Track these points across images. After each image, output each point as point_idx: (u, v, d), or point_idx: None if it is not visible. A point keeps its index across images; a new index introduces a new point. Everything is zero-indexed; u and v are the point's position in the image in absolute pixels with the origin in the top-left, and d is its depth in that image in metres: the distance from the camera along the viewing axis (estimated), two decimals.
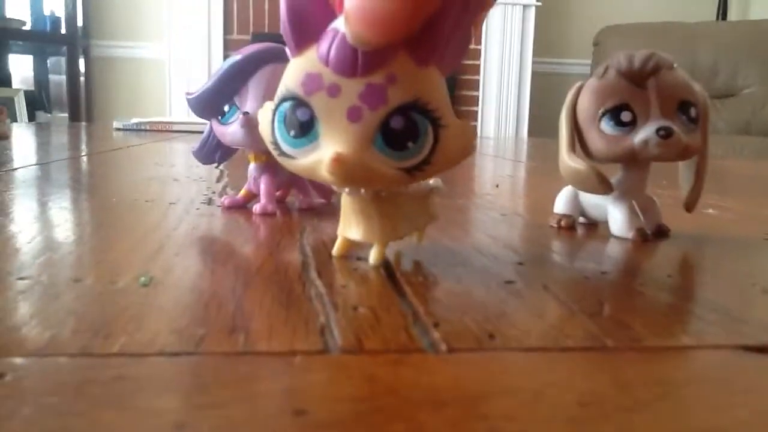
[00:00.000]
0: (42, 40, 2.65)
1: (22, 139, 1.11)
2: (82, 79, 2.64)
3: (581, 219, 0.39)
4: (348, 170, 0.23)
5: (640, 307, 0.23)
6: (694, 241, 0.37)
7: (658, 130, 0.32)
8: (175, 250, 0.29)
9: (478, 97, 3.00)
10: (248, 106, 0.38)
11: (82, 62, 2.63)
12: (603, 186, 0.35)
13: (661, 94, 0.33)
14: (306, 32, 0.24)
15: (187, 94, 0.40)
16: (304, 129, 0.24)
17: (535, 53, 2.93)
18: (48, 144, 1.01)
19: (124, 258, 0.27)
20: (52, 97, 2.84)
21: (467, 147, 0.25)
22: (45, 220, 0.36)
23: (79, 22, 2.60)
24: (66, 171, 0.62)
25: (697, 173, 0.37)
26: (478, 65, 2.97)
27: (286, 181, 0.42)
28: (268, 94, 0.38)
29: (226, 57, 2.87)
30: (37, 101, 2.69)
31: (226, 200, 0.41)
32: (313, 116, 0.24)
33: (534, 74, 2.95)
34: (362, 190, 0.26)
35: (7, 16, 2.56)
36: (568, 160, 0.35)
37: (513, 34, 2.93)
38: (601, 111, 0.34)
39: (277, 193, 0.44)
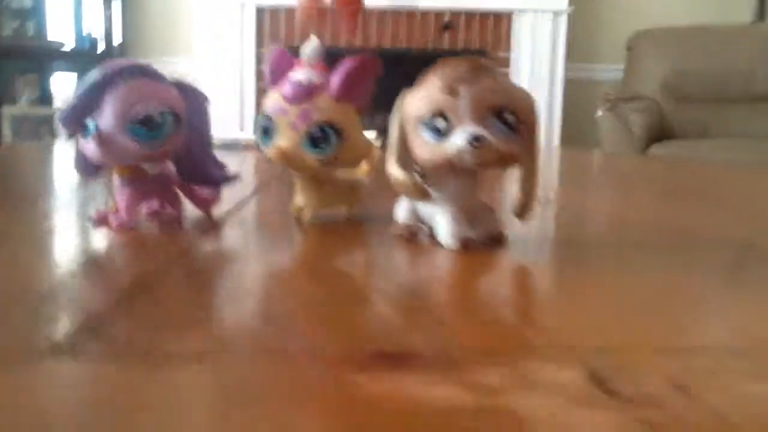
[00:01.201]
0: (81, 59, 2.76)
1: None
2: None
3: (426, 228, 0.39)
4: (284, 157, 0.40)
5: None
6: (523, 250, 0.36)
7: (468, 138, 0.32)
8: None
9: None
10: (103, 121, 0.39)
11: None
12: (419, 193, 0.36)
13: (475, 101, 0.33)
14: (277, 78, 0.41)
15: (57, 112, 0.41)
16: (268, 133, 0.41)
17: (567, 59, 2.89)
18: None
19: None
20: None
21: (364, 154, 0.43)
22: None
23: (116, 41, 2.70)
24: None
25: (523, 182, 0.36)
26: (509, 73, 2.94)
27: (155, 193, 0.43)
28: (122, 110, 0.39)
29: (258, 71, 2.94)
30: None
31: (95, 214, 0.42)
32: (273, 126, 0.40)
33: (566, 81, 2.91)
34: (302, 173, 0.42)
35: (49, 39, 2.69)
36: (390, 168, 0.36)
37: (543, 41, 2.89)
38: (419, 119, 0.34)
39: (153, 205, 0.45)
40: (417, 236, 0.38)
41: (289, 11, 2.90)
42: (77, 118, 0.40)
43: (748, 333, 0.21)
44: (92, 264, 0.29)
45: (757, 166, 1.37)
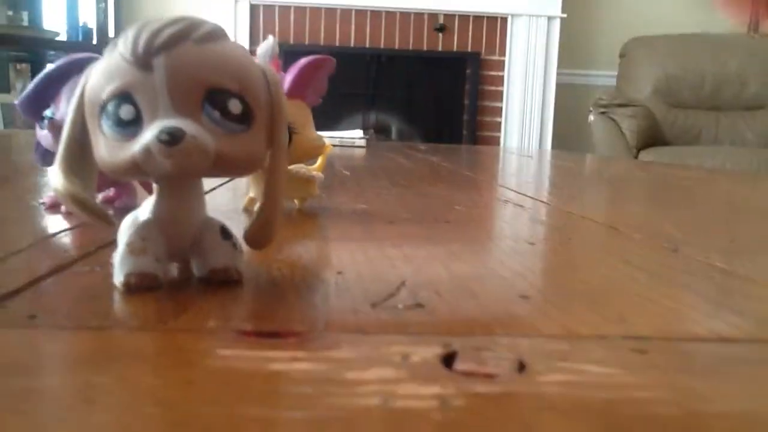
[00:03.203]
0: (75, 49, 2.75)
1: None
2: None
3: None
4: None
5: None
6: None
7: (160, 133, 0.21)
8: None
9: (501, 108, 2.98)
10: (60, 111, 0.40)
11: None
12: (91, 213, 0.24)
13: (175, 78, 0.22)
14: None
15: (15, 100, 0.42)
16: None
17: (560, 65, 2.90)
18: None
19: None
20: None
21: (313, 149, 0.42)
22: None
23: (110, 33, 2.71)
24: None
25: (265, 194, 0.26)
26: (502, 76, 2.95)
27: (109, 182, 0.44)
28: None
29: None
30: None
31: (47, 199, 0.43)
32: None
33: (559, 86, 2.92)
34: None
35: (45, 27, 2.69)
36: (53, 176, 0.24)
37: (537, 46, 2.90)
38: (98, 103, 0.23)
39: (110, 193, 0.45)
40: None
41: (283, 8, 2.91)
42: (34, 108, 0.41)
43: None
44: (22, 249, 0.30)
45: (746, 172, 1.37)
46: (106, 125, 0.23)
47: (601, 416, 0.15)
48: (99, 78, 0.23)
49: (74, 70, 0.40)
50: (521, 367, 0.18)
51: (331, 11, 2.91)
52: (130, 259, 0.24)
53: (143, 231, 0.24)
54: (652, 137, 2.55)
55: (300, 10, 2.91)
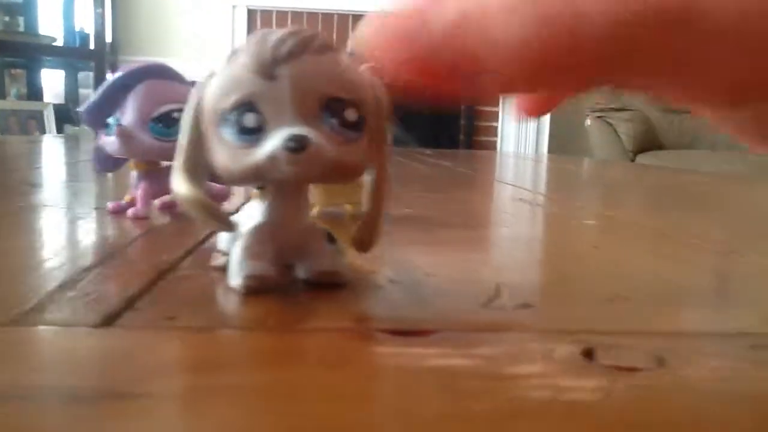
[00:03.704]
0: (71, 55, 2.76)
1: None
2: None
3: None
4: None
5: None
6: (517, 230, 0.37)
7: (285, 141, 0.22)
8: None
9: (497, 112, 3.00)
10: (126, 118, 0.41)
11: (109, 77, 2.72)
12: (213, 218, 0.25)
13: (298, 87, 0.23)
14: None
15: (80, 107, 0.42)
16: None
17: None
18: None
19: None
20: None
21: None
22: None
23: (108, 38, 2.70)
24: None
25: (368, 201, 0.27)
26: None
27: (170, 188, 0.44)
28: (144, 107, 0.41)
29: None
30: (67, 115, 2.79)
31: (110, 205, 0.44)
32: None
33: None
34: None
35: (40, 33, 2.68)
36: (176, 182, 0.25)
37: None
38: (220, 112, 0.23)
39: (166, 199, 0.46)
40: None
41: (280, 13, 2.92)
42: (99, 115, 0.42)
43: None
44: (113, 253, 0.30)
45: (742, 177, 1.40)
46: (228, 133, 0.23)
47: (761, 404, 0.16)
48: (220, 88, 0.23)
49: (141, 77, 0.41)
50: (660, 361, 0.19)
51: (328, 16, 2.92)
52: (248, 263, 0.24)
53: (258, 235, 0.25)
54: (649, 141, 2.59)
55: (297, 15, 2.92)
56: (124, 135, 0.40)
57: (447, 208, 0.53)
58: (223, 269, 0.26)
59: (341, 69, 0.24)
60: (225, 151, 0.24)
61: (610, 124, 2.55)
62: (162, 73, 0.42)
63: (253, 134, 0.23)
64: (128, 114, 0.41)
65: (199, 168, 0.25)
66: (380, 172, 0.26)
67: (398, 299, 0.25)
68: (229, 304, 0.23)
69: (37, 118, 2.58)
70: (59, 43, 2.69)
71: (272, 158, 0.22)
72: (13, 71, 2.83)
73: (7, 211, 0.43)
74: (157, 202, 0.45)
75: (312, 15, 2.91)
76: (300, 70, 0.23)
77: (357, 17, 2.89)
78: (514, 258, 0.33)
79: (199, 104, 0.24)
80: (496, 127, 3.01)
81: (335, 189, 0.45)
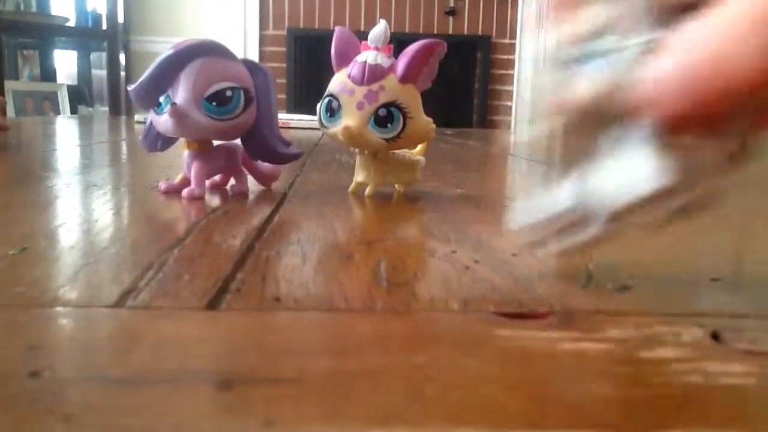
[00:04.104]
0: (84, 36, 2.74)
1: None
2: (122, 73, 2.72)
3: None
4: (351, 135, 0.40)
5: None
6: None
7: None
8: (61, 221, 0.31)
9: (511, 92, 2.98)
10: (179, 97, 0.40)
11: (122, 57, 2.71)
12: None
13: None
14: (343, 60, 0.42)
15: (129, 86, 0.42)
16: (334, 112, 0.41)
17: None
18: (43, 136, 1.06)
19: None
20: (95, 92, 2.93)
21: (426, 133, 0.43)
22: None
23: (120, 18, 2.68)
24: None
25: None
26: (512, 60, 2.95)
27: (221, 167, 0.44)
28: (197, 86, 0.40)
29: (261, 52, 2.93)
30: (81, 95, 2.78)
31: (163, 185, 0.43)
32: (339, 105, 0.41)
33: None
34: (365, 152, 0.43)
35: (52, 13, 2.66)
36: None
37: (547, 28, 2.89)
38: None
39: (216, 179, 0.45)
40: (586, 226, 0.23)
41: None
42: (151, 94, 0.41)
43: None
44: (187, 234, 0.30)
45: None
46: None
47: None
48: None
49: (192, 55, 0.40)
50: None
51: None
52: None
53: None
54: None
55: None
56: (178, 114, 0.39)
57: (493, 187, 0.52)
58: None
59: None
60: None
61: None
62: (214, 50, 0.41)
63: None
64: (181, 93, 0.40)
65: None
66: None
67: (492, 280, 0.24)
68: (326, 285, 0.23)
69: (52, 99, 2.57)
70: (72, 23, 2.67)
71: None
72: (25, 52, 2.81)
73: (56, 193, 0.42)
74: (207, 182, 0.44)
75: None
76: None
77: None
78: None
79: None
80: (509, 107, 2.99)
81: (388, 170, 0.44)
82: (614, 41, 0.21)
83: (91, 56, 2.88)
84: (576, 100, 0.22)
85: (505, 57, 2.97)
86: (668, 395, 0.15)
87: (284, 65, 2.89)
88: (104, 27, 2.69)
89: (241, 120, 0.41)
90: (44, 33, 2.64)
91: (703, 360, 0.17)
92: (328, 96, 0.42)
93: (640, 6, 0.21)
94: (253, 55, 2.86)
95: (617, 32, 0.21)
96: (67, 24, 2.63)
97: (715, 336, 0.19)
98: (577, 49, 0.22)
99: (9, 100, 2.40)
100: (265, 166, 0.46)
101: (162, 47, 0.41)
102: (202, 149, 0.42)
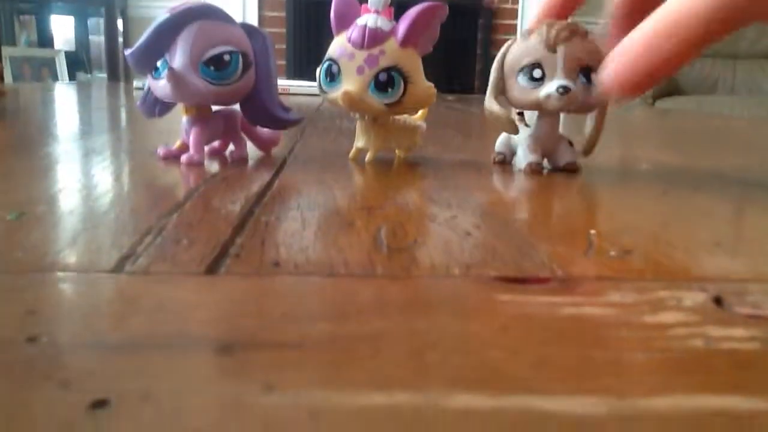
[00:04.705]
0: (81, 1, 2.70)
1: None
2: (120, 39, 2.69)
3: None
4: (351, 100, 0.40)
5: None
6: (591, 178, 0.40)
7: (558, 88, 0.39)
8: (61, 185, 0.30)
9: None
10: (176, 61, 0.39)
11: (120, 23, 2.68)
12: (509, 127, 0.43)
13: (568, 58, 0.39)
14: (342, 24, 0.41)
15: (126, 51, 0.41)
16: (333, 77, 0.41)
17: (579, 13, 2.85)
18: (40, 103, 1.05)
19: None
20: (93, 58, 2.91)
21: (427, 98, 0.43)
22: None
23: None
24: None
25: (595, 125, 0.43)
26: (515, 25, 2.91)
27: (220, 133, 0.43)
28: (194, 50, 0.39)
29: (261, 17, 2.89)
30: (78, 62, 2.76)
31: (161, 151, 0.43)
32: (339, 70, 0.41)
33: None
34: (366, 117, 0.43)
35: None
36: (489, 103, 0.43)
37: None
38: (519, 66, 0.41)
39: (215, 144, 0.45)
40: (506, 162, 0.46)
41: None
42: (148, 58, 0.40)
43: None
44: (186, 199, 0.30)
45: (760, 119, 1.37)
46: (521, 80, 0.41)
47: None
48: (519, 52, 0.41)
49: (189, 18, 0.39)
50: None
51: None
52: (530, 155, 0.42)
53: (533, 140, 0.42)
54: (668, 86, 2.54)
55: None
56: (175, 78, 0.39)
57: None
58: (501, 163, 0.45)
59: (592, 48, 0.40)
60: (518, 89, 0.41)
61: None
62: (211, 13, 0.40)
63: (536, 82, 0.40)
64: (178, 57, 0.39)
65: (502, 98, 0.42)
66: (602, 110, 0.43)
67: (494, 245, 0.24)
68: (326, 250, 0.23)
69: (50, 65, 2.55)
70: None
71: (548, 96, 0.40)
72: (22, 17, 2.78)
73: (55, 159, 0.42)
74: (206, 148, 0.44)
75: None
76: (571, 48, 0.39)
77: None
78: (591, 204, 0.32)
79: (503, 59, 0.42)
80: None
81: (388, 135, 0.44)
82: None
83: (88, 22, 2.85)
84: None
85: (508, 22, 2.93)
86: (670, 360, 0.14)
87: (284, 30, 2.86)
88: None
89: (239, 85, 0.41)
90: None
91: (705, 324, 0.17)
92: (327, 60, 0.42)
93: None
94: (253, 20, 2.83)
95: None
96: None
97: (718, 300, 0.18)
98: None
99: (6, 66, 2.38)
100: (264, 131, 0.46)
101: (160, 12, 0.40)
102: (200, 115, 0.42)
